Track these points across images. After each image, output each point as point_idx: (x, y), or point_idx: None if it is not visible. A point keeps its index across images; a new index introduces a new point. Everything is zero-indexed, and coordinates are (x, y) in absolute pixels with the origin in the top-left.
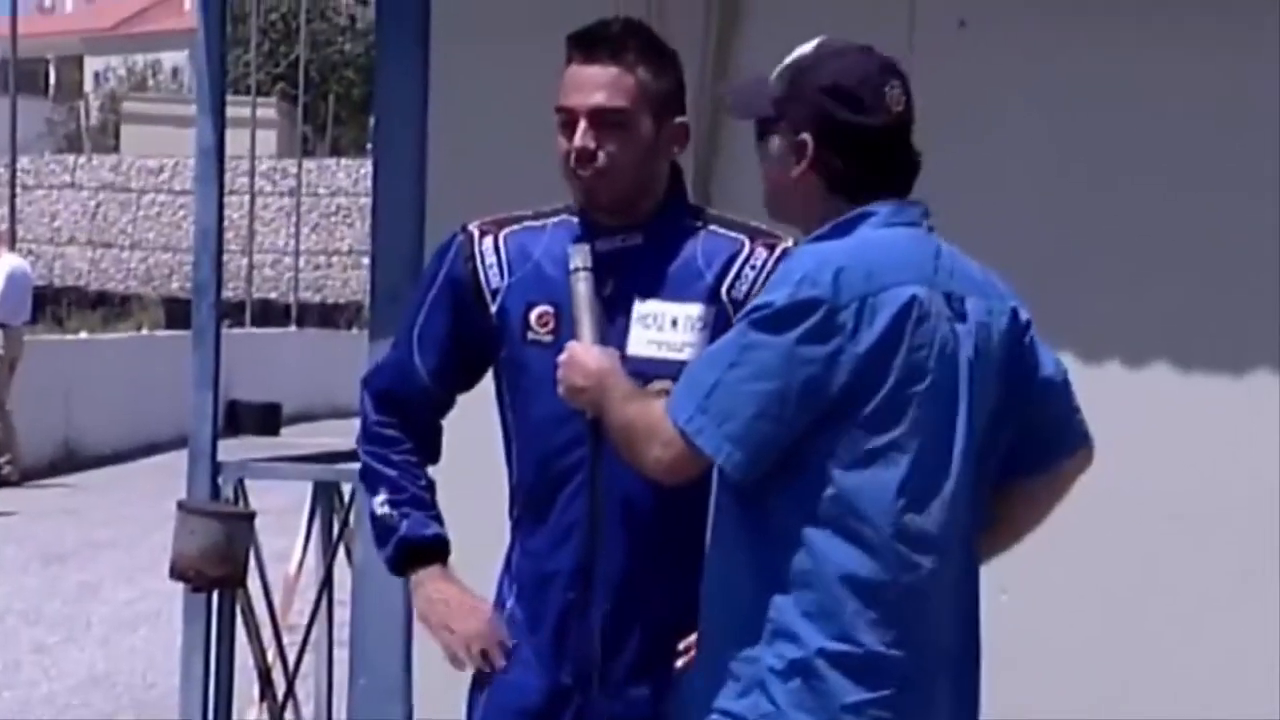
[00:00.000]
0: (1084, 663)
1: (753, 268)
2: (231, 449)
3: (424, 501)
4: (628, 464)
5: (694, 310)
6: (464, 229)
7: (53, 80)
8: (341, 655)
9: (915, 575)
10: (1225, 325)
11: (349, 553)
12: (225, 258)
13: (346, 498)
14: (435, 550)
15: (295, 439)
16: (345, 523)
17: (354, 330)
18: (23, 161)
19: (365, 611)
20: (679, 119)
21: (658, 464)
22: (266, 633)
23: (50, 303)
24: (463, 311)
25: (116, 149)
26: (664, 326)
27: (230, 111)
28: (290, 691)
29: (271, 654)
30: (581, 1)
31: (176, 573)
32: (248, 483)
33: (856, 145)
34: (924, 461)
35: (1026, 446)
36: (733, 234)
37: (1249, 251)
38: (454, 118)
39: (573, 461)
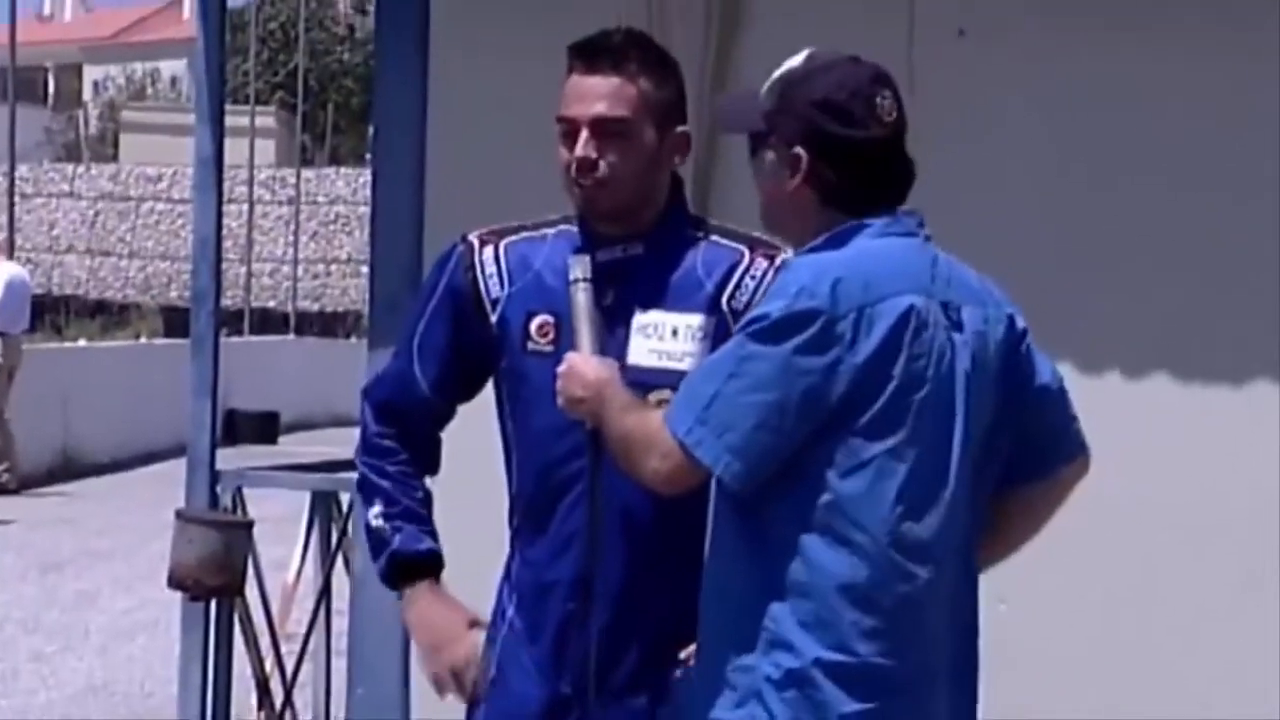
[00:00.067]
0: (1083, 672)
1: (753, 278)
2: (230, 458)
3: (418, 515)
4: (627, 474)
5: (694, 320)
6: (464, 239)
7: (51, 89)
8: (339, 664)
9: (911, 585)
10: (1225, 330)
11: (347, 562)
12: (224, 266)
13: (345, 507)
14: (427, 565)
15: (293, 448)
16: (344, 532)
17: (352, 339)
18: (21, 170)
19: (363, 620)
20: (680, 129)
21: (656, 475)
22: (265, 642)
23: (49, 311)
24: (463, 321)
25: (115, 158)
26: (664, 336)
27: (229, 120)
28: (288, 700)
29: (269, 663)
30: (583, 11)
31: (175, 581)
32: (246, 491)
33: (849, 158)
34: (922, 471)
35: (1023, 454)
36: (733, 244)
37: (1249, 256)
38: (453, 127)
39: (572, 472)
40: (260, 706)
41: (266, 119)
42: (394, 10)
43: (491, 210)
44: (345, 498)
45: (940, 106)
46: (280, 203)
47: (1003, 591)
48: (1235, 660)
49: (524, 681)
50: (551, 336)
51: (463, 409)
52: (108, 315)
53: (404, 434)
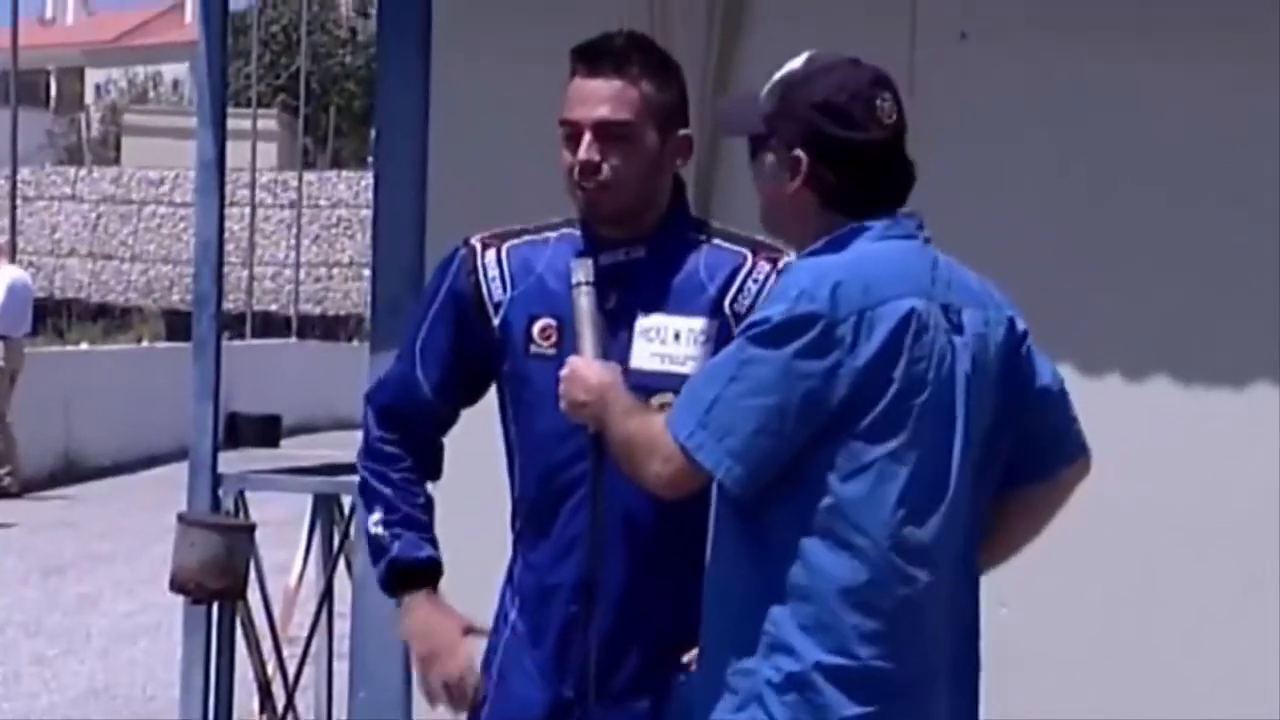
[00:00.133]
0: (1084, 674)
1: (755, 281)
2: (232, 461)
3: (418, 522)
4: (629, 478)
5: (697, 324)
6: (466, 242)
7: (53, 92)
8: (341, 667)
9: (912, 588)
10: (1225, 332)
11: (349, 565)
12: (226, 270)
13: (347, 510)
14: (426, 573)
15: (295, 451)
16: (345, 535)
17: (355, 342)
18: (23, 173)
19: (365, 624)
20: (682, 131)
21: (658, 479)
22: (267, 645)
23: (51, 314)
24: (465, 325)
25: (117, 161)
26: (667, 340)
27: (231, 124)
28: (290, 704)
29: (271, 666)
30: (585, 14)
31: (177, 585)
32: (248, 495)
33: (850, 160)
34: (923, 474)
35: (1024, 456)
36: (735, 247)
37: (1249, 257)
38: (455, 130)
39: (575, 475)
40: (262, 710)
41: (268, 122)
42: (396, 13)
43: (493, 213)
44: (347, 501)
45: (941, 109)
46: (282, 206)
47: (1004, 594)
48: (1236, 662)
49: (526, 685)
50: (554, 340)
51: (465, 413)
52: (109, 319)
53: (406, 439)
